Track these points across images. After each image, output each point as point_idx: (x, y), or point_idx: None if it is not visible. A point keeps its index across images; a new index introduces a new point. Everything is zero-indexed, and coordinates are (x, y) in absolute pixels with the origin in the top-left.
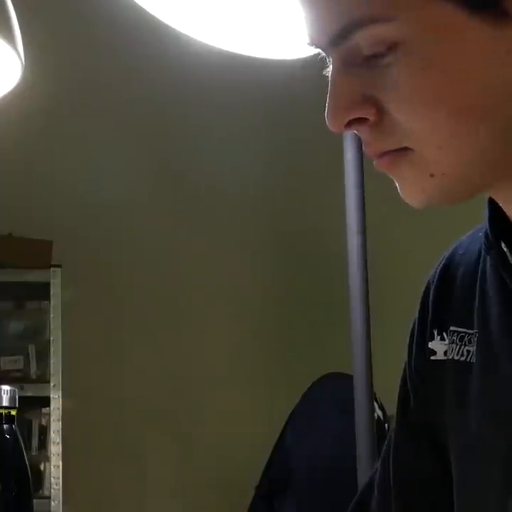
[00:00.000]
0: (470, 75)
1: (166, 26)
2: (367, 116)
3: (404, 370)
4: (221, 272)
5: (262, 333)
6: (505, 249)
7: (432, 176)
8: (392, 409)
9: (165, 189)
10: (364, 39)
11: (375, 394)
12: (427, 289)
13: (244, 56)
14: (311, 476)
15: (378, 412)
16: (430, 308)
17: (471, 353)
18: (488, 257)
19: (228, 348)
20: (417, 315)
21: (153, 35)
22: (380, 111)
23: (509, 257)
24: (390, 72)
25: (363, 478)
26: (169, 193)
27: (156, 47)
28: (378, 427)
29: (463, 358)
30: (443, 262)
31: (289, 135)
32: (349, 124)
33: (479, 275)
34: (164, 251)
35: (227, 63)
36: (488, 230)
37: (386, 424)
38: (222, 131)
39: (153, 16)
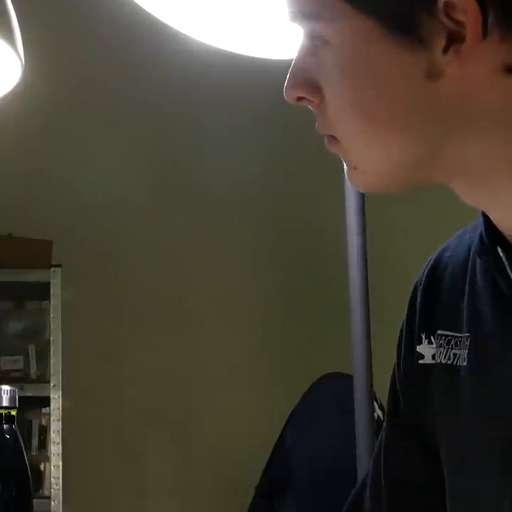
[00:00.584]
0: (382, 90)
1: (165, 26)
2: (310, 99)
3: (394, 370)
4: (221, 273)
5: (262, 333)
6: (501, 254)
7: (355, 169)
8: None
9: (164, 189)
10: (306, 29)
11: (375, 394)
12: (415, 290)
13: (242, 56)
14: (311, 476)
15: (378, 412)
16: (418, 310)
17: (458, 356)
18: (478, 261)
19: (228, 348)
20: (405, 317)
21: (153, 35)
22: (322, 97)
23: (505, 262)
24: (326, 66)
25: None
26: (169, 192)
27: (155, 46)
28: (378, 427)
29: (450, 362)
30: (430, 263)
31: (289, 135)
32: (300, 99)
33: (468, 278)
34: (164, 251)
35: (226, 63)
36: (484, 234)
37: None
38: (222, 130)
39: (153, 16)
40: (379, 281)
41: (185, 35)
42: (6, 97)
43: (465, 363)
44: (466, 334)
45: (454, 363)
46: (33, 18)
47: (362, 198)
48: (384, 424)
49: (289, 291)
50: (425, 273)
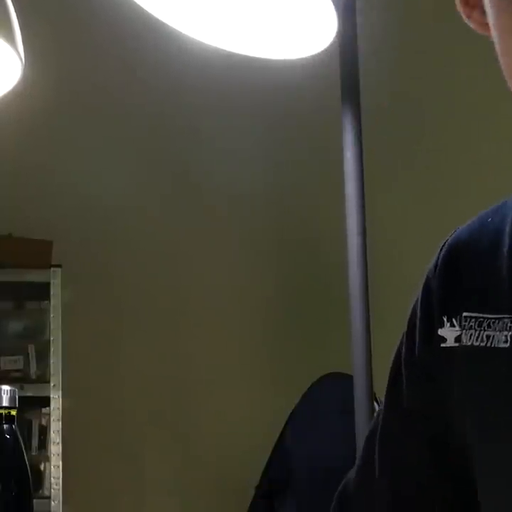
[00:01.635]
0: None
1: (167, 26)
2: None
3: (398, 360)
4: (221, 273)
5: (262, 333)
6: None
7: None
8: None
9: (165, 190)
10: None
11: (375, 394)
12: (428, 277)
13: (244, 56)
14: (311, 476)
15: None
16: (436, 295)
17: (493, 338)
18: None
19: (228, 348)
20: (419, 304)
21: (154, 36)
22: None
23: None
24: None
25: None
26: (170, 193)
27: (156, 47)
28: None
29: (483, 344)
30: (445, 247)
31: (290, 135)
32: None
33: (506, 258)
34: (164, 251)
35: (227, 63)
36: None
37: None
38: (222, 131)
39: (154, 17)
40: (379, 280)
41: (186, 35)
42: (6, 96)
43: (507, 345)
44: (508, 315)
45: (489, 344)
46: (33, 18)
47: (362, 198)
48: (379, 418)
49: (289, 291)
50: (441, 258)
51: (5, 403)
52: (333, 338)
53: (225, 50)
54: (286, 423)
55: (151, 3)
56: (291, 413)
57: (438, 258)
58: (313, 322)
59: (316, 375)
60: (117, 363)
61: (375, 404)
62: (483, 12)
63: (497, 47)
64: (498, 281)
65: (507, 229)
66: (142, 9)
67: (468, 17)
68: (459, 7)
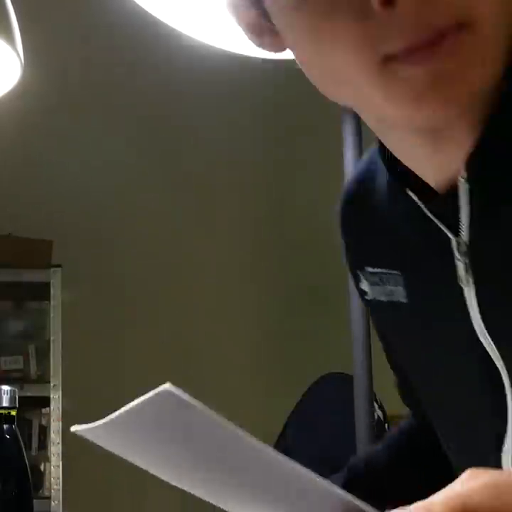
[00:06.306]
0: None
1: (166, 26)
2: None
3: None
4: (222, 273)
5: (262, 333)
6: (414, 198)
7: (487, 61)
8: (392, 409)
9: (166, 189)
10: None
11: (375, 394)
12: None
13: (244, 56)
14: None
15: (378, 412)
16: (348, 252)
17: (394, 292)
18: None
19: (228, 349)
20: (344, 259)
21: (153, 35)
22: None
23: (422, 207)
24: None
25: None
26: (171, 192)
27: (156, 46)
28: (378, 427)
29: (387, 298)
30: (342, 204)
31: (289, 135)
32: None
33: (390, 217)
34: (164, 251)
35: (227, 63)
36: (391, 179)
37: (386, 424)
38: (223, 132)
39: (153, 16)
40: None
41: (186, 34)
42: (6, 96)
43: (406, 300)
44: (398, 272)
45: (392, 299)
46: (33, 19)
47: None
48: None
49: (289, 291)
50: (341, 214)
51: (5, 403)
52: (333, 338)
53: (225, 50)
54: (286, 423)
55: (151, 3)
56: (291, 413)
57: (340, 215)
58: (314, 322)
59: (316, 375)
60: (117, 362)
61: (375, 404)
62: (274, 33)
63: (299, 60)
64: (386, 234)
65: (382, 179)
66: (141, 8)
67: (260, 44)
68: (249, 38)
